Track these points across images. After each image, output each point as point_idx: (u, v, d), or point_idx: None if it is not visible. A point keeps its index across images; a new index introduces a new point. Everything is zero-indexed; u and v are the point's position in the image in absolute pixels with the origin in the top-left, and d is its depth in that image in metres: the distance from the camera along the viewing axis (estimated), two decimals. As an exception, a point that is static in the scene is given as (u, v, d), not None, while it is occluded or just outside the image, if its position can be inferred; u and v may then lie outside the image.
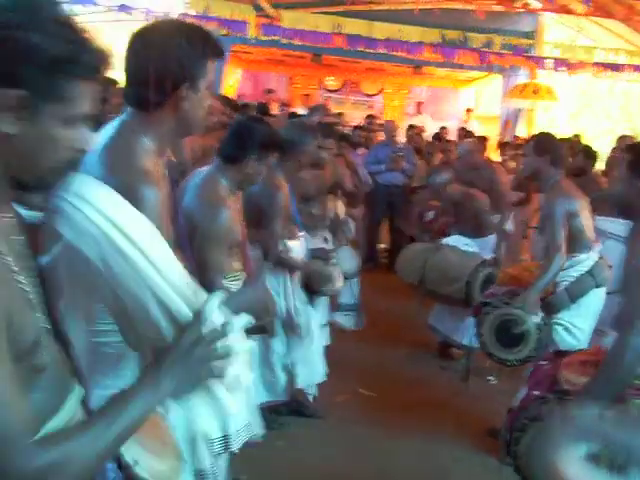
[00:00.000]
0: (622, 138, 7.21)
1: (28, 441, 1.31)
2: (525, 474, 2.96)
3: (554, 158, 4.67)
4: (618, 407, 2.74)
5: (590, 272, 4.61)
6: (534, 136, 5.16)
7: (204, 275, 3.15)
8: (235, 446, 3.20)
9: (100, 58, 1.41)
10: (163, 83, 2.12)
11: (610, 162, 7.24)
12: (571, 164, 7.73)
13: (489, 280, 5.71)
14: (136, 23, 10.88)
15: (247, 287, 3.47)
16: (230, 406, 3.14)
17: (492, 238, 6.58)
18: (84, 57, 1.36)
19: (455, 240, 6.46)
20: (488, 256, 6.29)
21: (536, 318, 4.49)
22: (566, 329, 4.57)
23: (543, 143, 4.77)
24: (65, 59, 1.32)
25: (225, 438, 3.15)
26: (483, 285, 5.75)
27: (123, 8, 11.08)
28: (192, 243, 2.71)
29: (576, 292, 4.58)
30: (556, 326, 4.55)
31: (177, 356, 1.59)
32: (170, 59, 2.11)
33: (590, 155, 7.68)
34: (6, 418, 1.28)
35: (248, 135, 3.50)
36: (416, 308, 6.58)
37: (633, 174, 3.24)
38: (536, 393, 3.05)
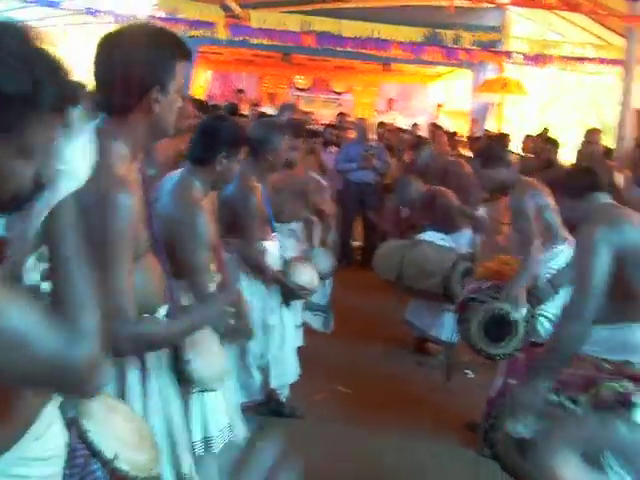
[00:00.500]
0: (591, 131, 7.28)
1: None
2: (502, 461, 3.00)
3: (506, 162, 4.76)
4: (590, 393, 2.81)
5: (569, 263, 4.67)
6: (479, 152, 5.23)
7: (191, 278, 3.17)
8: (217, 447, 3.21)
9: (63, 93, 1.40)
10: (133, 87, 2.13)
11: (581, 155, 7.33)
12: (540, 157, 7.85)
13: (467, 274, 5.77)
14: (103, 26, 10.82)
15: (218, 294, 3.50)
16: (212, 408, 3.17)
17: (467, 233, 6.63)
18: (43, 93, 1.33)
19: (431, 235, 6.51)
20: (464, 250, 6.35)
21: (523, 311, 4.53)
22: (549, 320, 4.62)
23: (492, 154, 4.83)
24: (20, 95, 1.30)
25: (206, 440, 3.16)
26: (461, 279, 5.81)
27: (89, 11, 11.01)
28: (168, 248, 2.71)
29: (559, 283, 4.63)
30: (540, 318, 4.59)
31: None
32: (139, 63, 2.11)
33: (557, 147, 7.80)
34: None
35: (215, 135, 3.48)
36: (394, 304, 6.62)
37: (566, 197, 3.38)
38: (512, 382, 3.10)
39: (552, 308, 4.63)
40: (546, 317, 4.61)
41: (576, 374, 2.93)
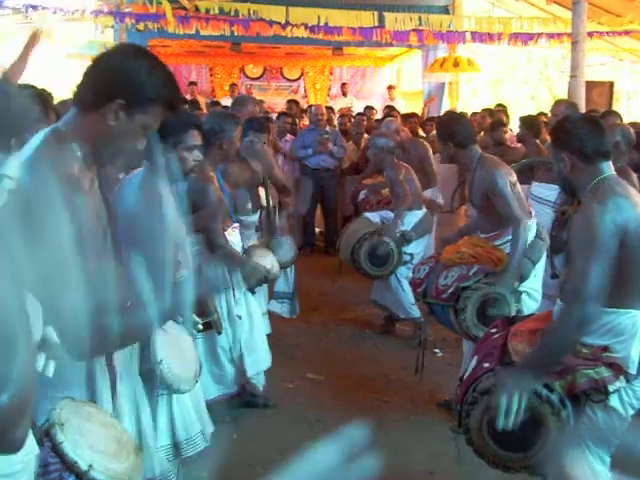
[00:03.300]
0: (559, 102, 7.21)
1: None
2: (476, 447, 2.98)
3: (463, 137, 4.63)
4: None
5: (538, 236, 4.65)
6: (436, 123, 5.15)
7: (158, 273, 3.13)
8: (189, 452, 3.17)
9: None
10: (100, 87, 2.12)
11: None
12: (491, 136, 7.95)
13: (375, 249, 6.13)
14: (49, 23, 10.62)
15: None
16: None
17: (418, 212, 6.56)
18: None
19: (374, 215, 6.65)
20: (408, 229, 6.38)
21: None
22: (528, 295, 4.62)
23: (444, 128, 4.76)
24: None
25: (175, 445, 3.12)
26: (369, 254, 6.13)
27: (28, 6, 10.70)
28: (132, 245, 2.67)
29: (535, 257, 4.62)
30: (523, 294, 4.58)
31: None
32: (118, 70, 2.12)
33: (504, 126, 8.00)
34: None
35: (162, 128, 3.43)
36: (334, 276, 6.91)
37: (558, 150, 3.18)
38: (486, 365, 3.04)
39: (529, 282, 4.62)
40: (525, 292, 4.60)
41: None
